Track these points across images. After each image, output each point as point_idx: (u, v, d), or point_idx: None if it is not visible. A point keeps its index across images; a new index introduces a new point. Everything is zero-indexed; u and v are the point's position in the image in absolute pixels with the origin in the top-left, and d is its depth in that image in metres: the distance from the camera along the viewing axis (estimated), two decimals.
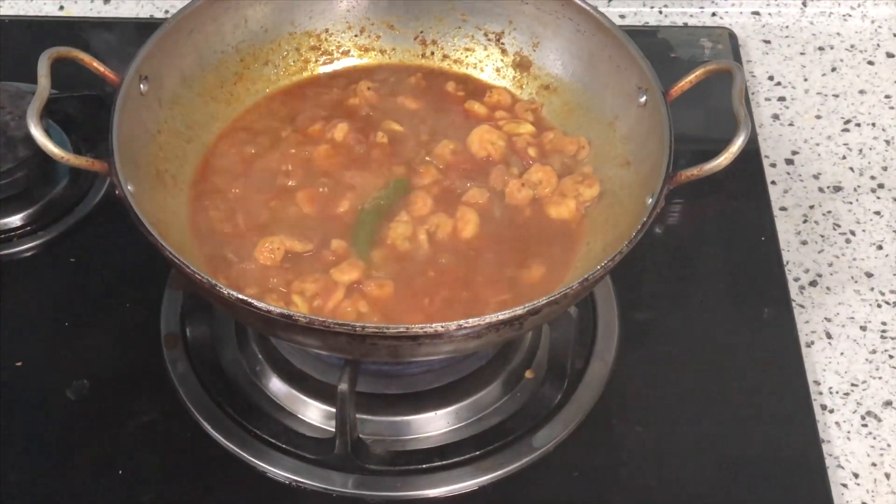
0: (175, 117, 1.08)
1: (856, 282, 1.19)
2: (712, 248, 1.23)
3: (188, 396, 1.06)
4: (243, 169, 1.08)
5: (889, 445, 1.07)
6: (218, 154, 1.10)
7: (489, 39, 1.19)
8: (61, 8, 1.45)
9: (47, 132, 0.96)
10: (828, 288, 1.19)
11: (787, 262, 1.20)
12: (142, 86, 1.04)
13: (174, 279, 1.13)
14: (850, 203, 1.26)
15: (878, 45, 1.45)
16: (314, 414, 1.06)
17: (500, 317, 0.88)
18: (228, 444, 1.03)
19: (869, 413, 1.09)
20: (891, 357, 1.13)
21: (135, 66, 1.03)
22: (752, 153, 1.28)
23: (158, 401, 1.07)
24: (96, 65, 1.03)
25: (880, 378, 1.11)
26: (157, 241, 0.91)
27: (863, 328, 1.15)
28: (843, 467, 1.05)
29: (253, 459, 1.02)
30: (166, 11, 1.45)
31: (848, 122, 1.35)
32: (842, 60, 1.43)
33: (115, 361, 1.10)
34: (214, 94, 1.12)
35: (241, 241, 1.02)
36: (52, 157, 0.96)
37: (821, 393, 1.10)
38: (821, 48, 1.44)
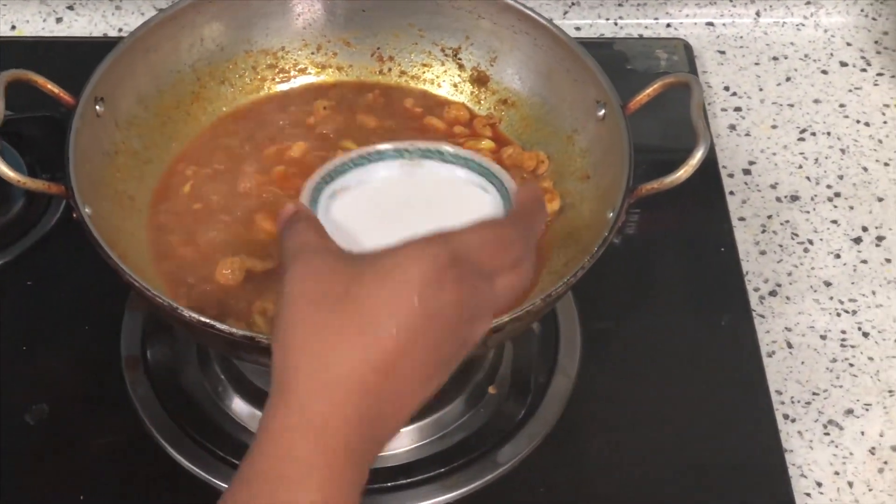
0: (132, 138, 1.07)
1: (815, 291, 1.20)
2: (672, 259, 1.23)
3: (149, 419, 1.05)
4: (202, 189, 1.08)
5: (851, 454, 1.07)
6: (176, 175, 1.09)
7: (446, 55, 1.18)
8: (13, 27, 1.44)
9: (1, 155, 0.96)
10: (787, 297, 1.19)
11: (747, 272, 1.21)
12: (97, 107, 1.03)
13: (134, 301, 1.13)
14: (808, 212, 1.27)
15: (832, 54, 1.46)
16: None
17: None
18: (191, 465, 1.02)
19: (831, 422, 1.09)
20: (851, 365, 1.14)
21: (90, 88, 1.02)
22: (709, 164, 1.28)
23: (119, 424, 1.06)
24: (50, 86, 1.02)
25: (841, 387, 1.12)
26: (116, 263, 0.90)
27: (823, 337, 1.16)
28: (806, 476, 1.06)
29: (216, 481, 1.02)
30: (120, 30, 1.44)
31: (803, 131, 1.36)
32: (796, 70, 1.44)
33: (74, 385, 1.09)
34: (171, 114, 1.12)
35: (201, 262, 1.02)
36: (8, 180, 0.95)
37: (783, 402, 1.11)
38: (775, 58, 1.45)
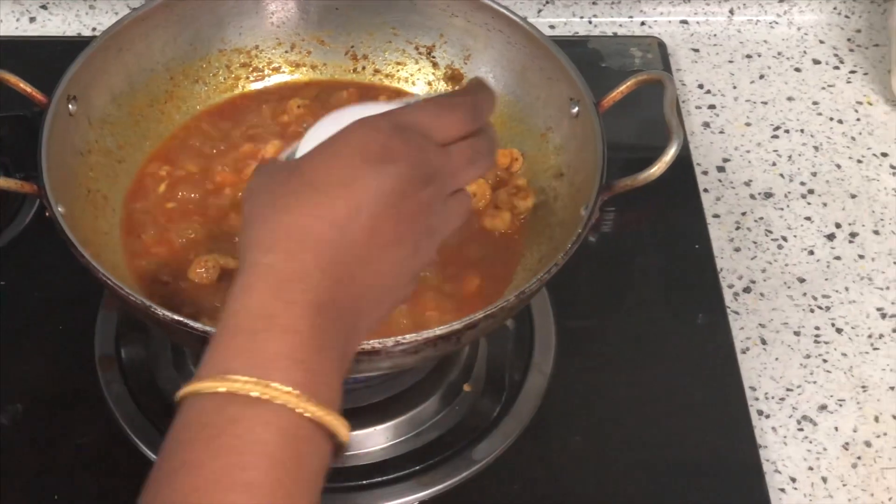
0: (105, 137, 1.07)
1: (789, 287, 1.20)
2: (647, 257, 1.23)
3: (124, 418, 1.05)
4: (175, 188, 1.08)
5: (825, 449, 1.07)
6: (149, 174, 1.09)
7: (420, 53, 1.18)
8: None
9: None
10: (761, 294, 1.20)
11: (721, 269, 1.21)
12: (70, 106, 1.03)
13: (108, 300, 1.12)
14: (782, 209, 1.27)
15: (805, 51, 1.46)
16: None
17: (438, 332, 0.88)
18: None
19: (805, 417, 1.10)
20: (825, 361, 1.14)
21: (63, 86, 1.02)
22: (684, 161, 1.28)
23: (94, 423, 1.05)
24: (23, 85, 1.02)
25: (815, 382, 1.12)
26: (90, 262, 0.90)
27: (796, 333, 1.16)
28: (780, 472, 1.06)
29: None
30: (94, 29, 1.44)
31: (777, 128, 1.37)
32: (769, 68, 1.44)
33: (48, 385, 1.09)
34: (145, 112, 1.11)
35: (175, 260, 1.02)
36: None
37: (757, 398, 1.11)
38: (749, 56, 1.45)
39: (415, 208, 0.70)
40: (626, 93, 1.05)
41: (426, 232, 0.72)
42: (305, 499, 0.64)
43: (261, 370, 0.63)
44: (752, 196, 1.29)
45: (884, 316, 1.18)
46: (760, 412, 1.10)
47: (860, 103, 1.40)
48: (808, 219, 1.27)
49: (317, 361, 0.64)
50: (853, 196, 1.29)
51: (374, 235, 0.68)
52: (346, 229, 0.67)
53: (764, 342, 1.16)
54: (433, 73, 1.19)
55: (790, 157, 1.33)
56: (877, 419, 1.10)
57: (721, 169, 1.32)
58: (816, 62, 1.45)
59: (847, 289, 1.20)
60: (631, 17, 1.49)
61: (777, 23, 1.49)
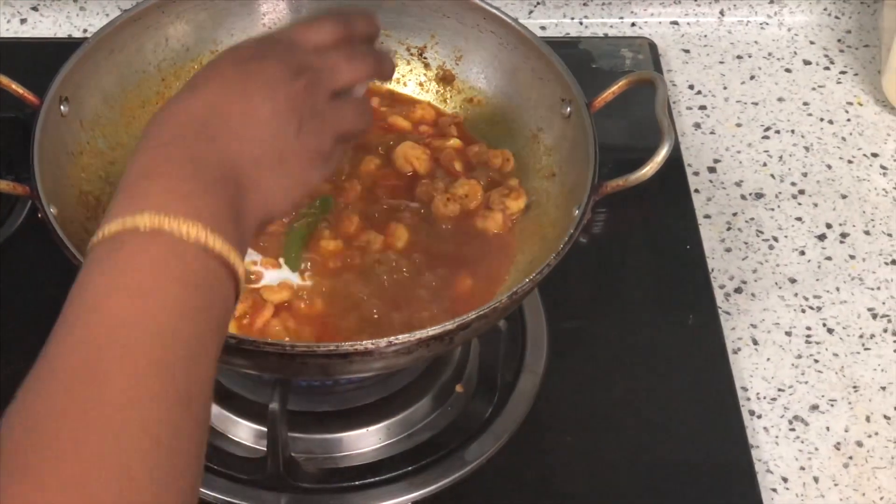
0: (97, 138, 1.07)
1: (780, 287, 1.20)
2: (638, 257, 1.23)
3: None
4: None
5: (817, 449, 1.08)
6: None
7: (412, 54, 1.19)
8: None
9: None
10: (753, 294, 1.20)
11: (713, 270, 1.21)
12: (62, 107, 1.02)
13: None
14: (772, 210, 1.28)
15: (795, 52, 1.47)
16: (245, 434, 1.05)
17: (430, 332, 0.88)
18: None
19: (796, 417, 1.10)
20: (816, 361, 1.14)
21: (55, 88, 1.02)
22: (675, 162, 1.29)
23: None
24: (14, 86, 1.02)
25: (806, 383, 1.13)
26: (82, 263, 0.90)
27: (788, 333, 1.17)
28: (772, 472, 1.06)
29: None
30: (85, 31, 1.43)
31: (768, 129, 1.37)
32: (760, 68, 1.44)
33: None
34: (136, 114, 1.11)
35: None
36: None
37: (748, 399, 1.11)
38: (739, 57, 1.46)
39: (289, 91, 0.76)
40: (617, 93, 1.05)
41: (309, 113, 0.77)
42: (210, 339, 0.65)
43: (156, 209, 0.66)
44: (743, 196, 1.29)
45: (875, 316, 1.18)
46: (752, 412, 1.10)
47: (850, 104, 1.40)
48: (798, 219, 1.27)
49: (209, 204, 0.68)
50: (844, 196, 1.29)
51: (247, 110, 0.74)
52: (219, 106, 0.74)
53: (755, 342, 1.16)
54: (424, 74, 1.19)
55: (781, 157, 1.34)
56: (868, 419, 1.10)
57: (712, 169, 1.32)
58: (807, 63, 1.45)
59: (838, 289, 1.21)
60: (622, 17, 1.49)
61: (767, 24, 1.50)
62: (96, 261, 0.65)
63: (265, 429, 1.00)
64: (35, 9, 1.44)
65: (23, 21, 1.44)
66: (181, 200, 0.67)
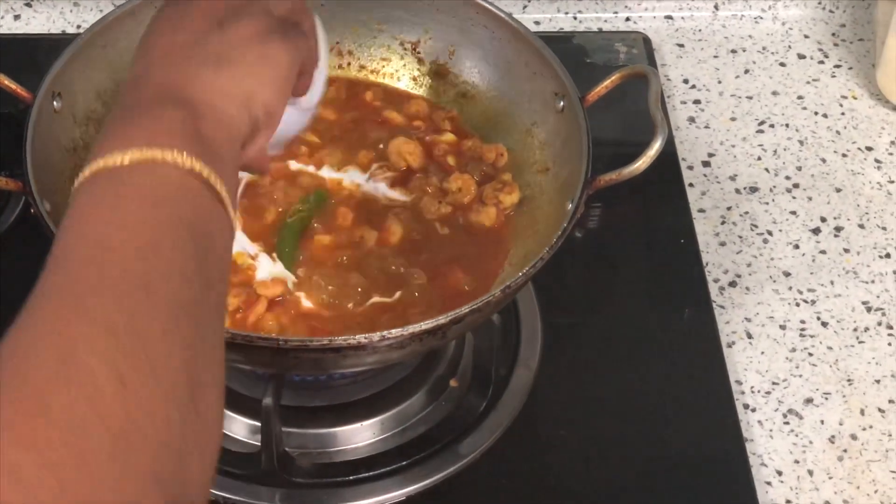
0: (90, 134, 1.07)
1: (774, 281, 1.20)
2: (632, 252, 1.23)
3: None
4: None
5: (811, 443, 1.08)
6: None
7: (405, 49, 1.19)
8: None
9: None
10: (747, 288, 1.20)
11: (707, 264, 1.21)
12: (55, 102, 1.02)
13: None
14: (767, 203, 1.28)
15: (790, 46, 1.47)
16: (239, 429, 1.05)
17: (423, 326, 0.88)
18: None
19: (790, 411, 1.10)
20: (810, 355, 1.14)
21: (47, 83, 1.02)
22: (669, 156, 1.29)
23: None
24: (7, 82, 1.02)
25: (801, 376, 1.13)
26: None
27: (782, 327, 1.17)
28: (766, 465, 1.06)
29: None
30: (78, 27, 1.43)
31: (762, 123, 1.37)
32: (754, 63, 1.44)
33: None
34: None
35: None
36: None
37: (743, 392, 1.11)
38: (733, 51, 1.46)
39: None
40: (610, 87, 1.06)
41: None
42: (212, 274, 0.64)
43: (149, 143, 0.65)
44: (737, 190, 1.29)
45: (869, 309, 1.18)
46: (746, 406, 1.10)
47: (845, 98, 1.40)
48: (793, 213, 1.27)
49: (160, 128, 0.67)
50: (838, 190, 1.30)
51: (161, 34, 0.75)
52: (143, 47, 0.75)
53: (750, 336, 1.16)
54: (418, 69, 1.19)
55: (775, 151, 1.34)
56: (862, 412, 1.10)
57: (706, 164, 1.32)
58: (801, 57, 1.45)
59: (832, 282, 1.21)
60: (616, 12, 1.49)
61: (762, 18, 1.50)
62: (87, 197, 0.64)
63: (259, 424, 1.00)
64: (29, 5, 1.44)
65: (16, 17, 1.44)
66: (129, 137, 0.66)
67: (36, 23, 1.44)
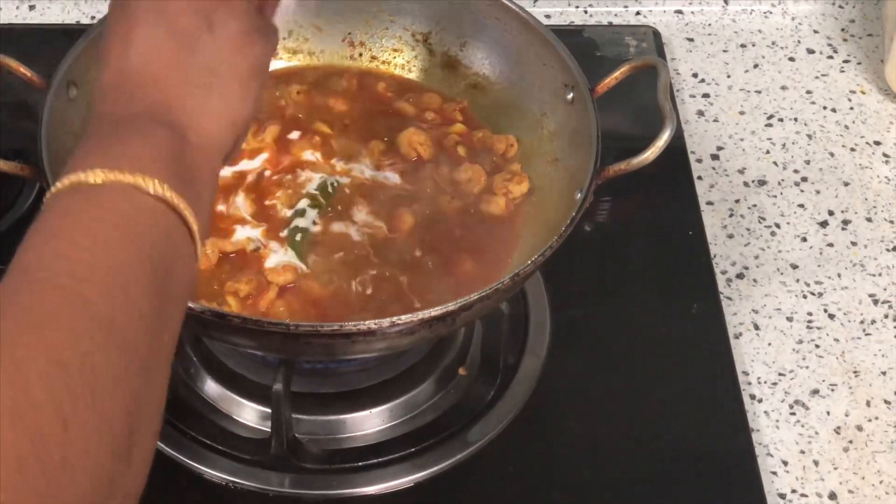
0: None
1: (781, 273, 1.21)
2: (641, 244, 1.24)
3: None
4: None
5: (817, 433, 1.08)
6: None
7: (417, 40, 1.19)
8: None
9: None
10: (754, 280, 1.20)
11: (715, 256, 1.22)
12: (70, 91, 1.03)
13: None
14: (775, 196, 1.28)
15: (799, 41, 1.47)
16: (249, 415, 1.06)
17: (433, 313, 0.88)
18: (164, 446, 1.03)
19: (797, 402, 1.11)
20: (817, 346, 1.15)
21: (62, 71, 1.02)
22: (678, 149, 1.29)
23: None
24: (23, 70, 1.03)
25: (807, 367, 1.13)
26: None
27: (789, 319, 1.17)
28: (772, 455, 1.07)
29: (189, 462, 1.02)
30: (93, 17, 1.44)
31: (771, 117, 1.38)
32: (763, 57, 1.45)
33: None
34: None
35: None
36: None
37: (749, 383, 1.12)
38: (743, 45, 1.46)
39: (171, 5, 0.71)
40: (620, 79, 1.06)
41: (205, 9, 0.71)
42: (169, 314, 0.63)
43: (121, 167, 0.63)
44: (745, 184, 1.30)
45: (876, 302, 1.19)
46: (753, 396, 1.11)
47: (853, 92, 1.41)
48: (801, 206, 1.28)
49: (136, 152, 0.65)
50: (846, 184, 1.30)
51: (141, 44, 0.70)
52: (119, 59, 0.70)
53: (757, 327, 1.16)
54: (429, 60, 1.19)
55: (784, 145, 1.34)
56: (868, 404, 1.11)
57: (715, 157, 1.32)
58: (810, 51, 1.46)
59: (839, 275, 1.21)
60: (626, 6, 1.50)
61: (771, 12, 1.50)
62: (54, 213, 0.63)
63: (269, 410, 1.01)
64: None
65: (31, 7, 1.45)
66: (111, 155, 0.64)
67: (51, 13, 1.45)
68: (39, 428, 0.52)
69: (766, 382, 1.12)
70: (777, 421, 1.09)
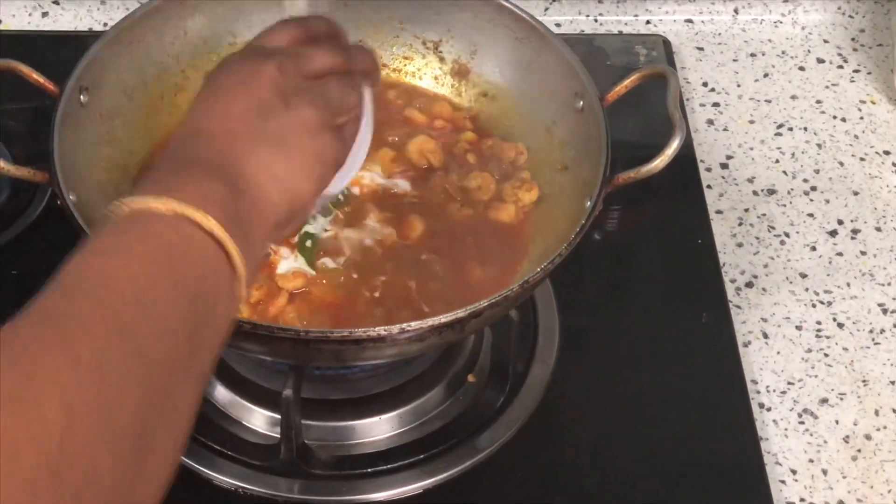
0: (116, 128, 1.08)
1: (791, 282, 1.21)
2: (650, 252, 1.24)
3: None
4: None
5: (825, 442, 1.08)
6: None
7: (427, 48, 1.20)
8: None
9: None
10: (763, 289, 1.21)
11: (724, 264, 1.22)
12: (82, 97, 1.04)
13: None
14: (784, 206, 1.29)
15: (809, 50, 1.47)
16: (259, 420, 1.06)
17: (442, 320, 0.89)
18: None
19: (805, 411, 1.11)
20: (826, 356, 1.15)
21: (75, 77, 1.03)
22: (687, 158, 1.30)
23: None
24: (36, 76, 1.03)
25: (816, 376, 1.13)
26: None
27: (798, 328, 1.17)
28: (781, 464, 1.07)
29: (199, 467, 1.03)
30: (105, 24, 1.45)
31: (780, 126, 1.38)
32: (773, 66, 1.45)
33: None
34: (156, 105, 1.12)
35: None
36: None
37: (758, 392, 1.12)
38: (753, 54, 1.47)
39: (263, 74, 0.77)
40: (630, 87, 1.06)
41: (292, 89, 0.77)
42: (202, 343, 0.65)
43: (174, 195, 0.67)
44: (755, 192, 1.30)
45: (885, 311, 1.19)
46: (762, 405, 1.11)
47: (863, 102, 1.41)
48: (810, 215, 1.28)
49: (231, 210, 0.69)
50: (856, 193, 1.30)
51: (227, 105, 0.76)
52: (204, 117, 0.76)
53: (766, 336, 1.17)
54: (440, 68, 1.20)
55: (793, 154, 1.34)
56: (877, 413, 1.11)
57: (724, 166, 1.33)
58: (820, 61, 1.46)
59: (849, 284, 1.21)
60: (636, 15, 1.50)
61: (781, 22, 1.51)
62: (111, 227, 0.66)
63: (279, 416, 1.01)
64: (56, 2, 1.46)
65: (44, 14, 1.46)
66: (174, 188, 0.67)
67: (63, 20, 1.46)
68: (41, 412, 0.53)
69: (774, 391, 1.12)
70: (786, 430, 1.09)
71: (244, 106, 0.76)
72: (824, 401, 1.12)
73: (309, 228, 1.04)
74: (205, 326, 0.65)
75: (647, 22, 1.50)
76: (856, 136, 1.37)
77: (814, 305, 1.19)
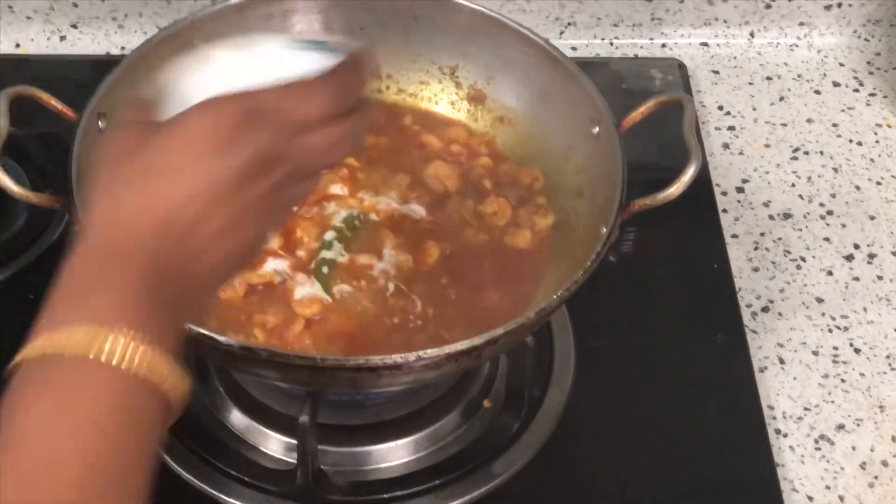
0: None
1: (807, 307, 1.21)
2: (666, 276, 1.24)
3: None
4: None
5: (842, 468, 1.08)
6: None
7: (444, 73, 1.20)
8: (17, 46, 1.46)
9: (5, 169, 0.97)
10: (780, 314, 1.20)
11: (740, 289, 1.22)
12: (100, 123, 1.04)
13: None
14: (800, 230, 1.28)
15: (825, 74, 1.47)
16: (275, 446, 1.06)
17: (459, 347, 0.89)
18: (190, 477, 1.03)
19: (822, 437, 1.11)
20: (843, 381, 1.15)
21: (93, 104, 1.03)
22: (703, 182, 1.29)
23: None
24: (54, 102, 1.04)
25: (833, 402, 1.13)
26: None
27: (815, 353, 1.17)
28: (797, 490, 1.07)
29: (215, 492, 1.03)
30: (122, 48, 1.45)
31: (796, 150, 1.38)
32: (789, 90, 1.45)
33: None
34: None
35: None
36: (12, 194, 0.97)
37: (774, 417, 1.12)
38: (769, 78, 1.47)
39: (253, 196, 0.70)
40: (646, 114, 1.07)
41: (263, 216, 0.72)
42: (135, 454, 0.64)
43: (95, 321, 0.64)
44: (770, 217, 1.30)
45: None
46: (778, 431, 1.11)
47: (879, 125, 1.41)
48: (826, 239, 1.28)
49: (150, 319, 0.65)
50: (872, 217, 1.30)
51: (204, 219, 0.69)
52: (180, 212, 0.68)
53: (782, 361, 1.16)
54: (456, 93, 1.20)
55: (809, 178, 1.34)
56: (894, 439, 1.11)
57: (740, 189, 1.33)
58: (836, 84, 1.46)
59: (865, 309, 1.21)
60: (652, 39, 1.50)
61: (797, 45, 1.51)
62: (20, 382, 0.64)
63: (295, 441, 1.01)
64: (74, 26, 1.46)
65: (62, 38, 1.46)
66: (128, 317, 0.65)
67: (81, 44, 1.46)
68: None
69: (791, 417, 1.12)
70: (802, 456, 1.09)
71: (214, 222, 0.69)
72: (841, 427, 1.11)
73: (326, 255, 1.04)
74: (130, 478, 0.64)
75: (663, 45, 1.50)
76: (872, 160, 1.37)
77: (830, 331, 1.19)
